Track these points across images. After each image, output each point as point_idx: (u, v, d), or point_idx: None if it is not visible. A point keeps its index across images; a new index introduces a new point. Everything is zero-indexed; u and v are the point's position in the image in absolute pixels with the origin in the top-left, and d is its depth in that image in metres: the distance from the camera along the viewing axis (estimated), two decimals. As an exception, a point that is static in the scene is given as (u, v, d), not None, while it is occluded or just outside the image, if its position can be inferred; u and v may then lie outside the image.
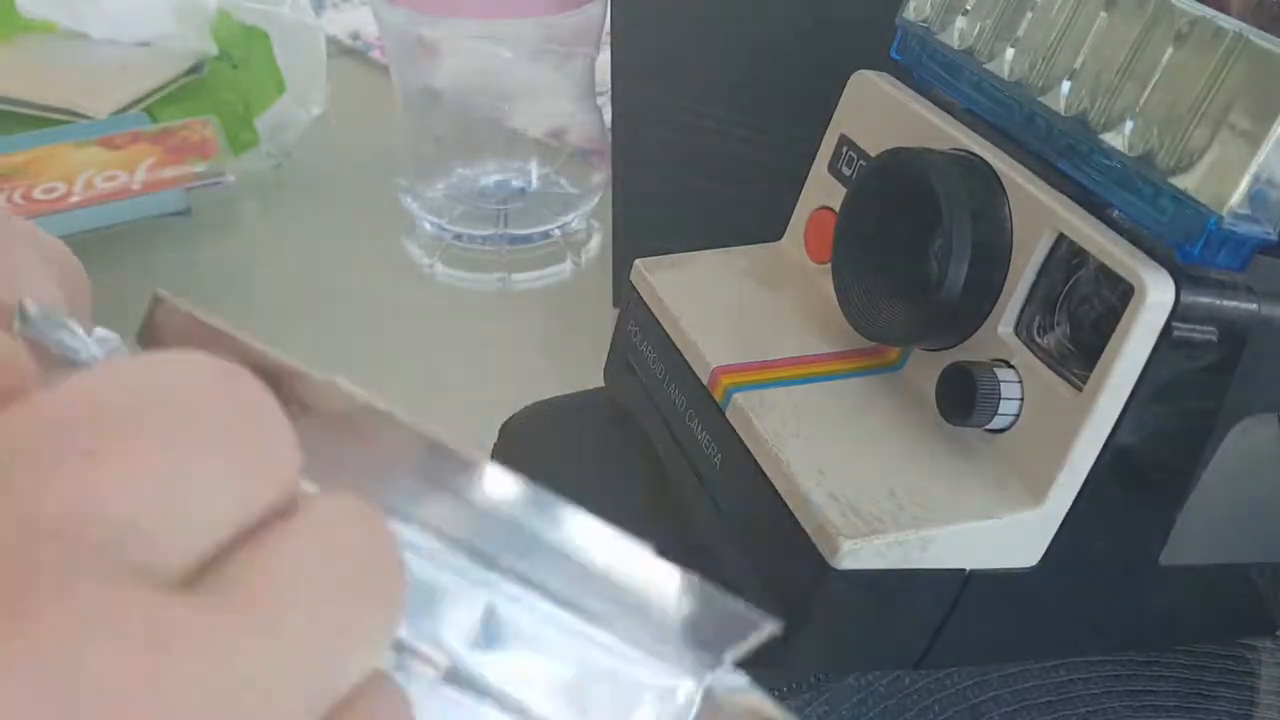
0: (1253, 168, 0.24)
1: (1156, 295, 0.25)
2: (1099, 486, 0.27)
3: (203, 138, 0.60)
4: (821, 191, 0.35)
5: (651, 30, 0.44)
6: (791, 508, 0.27)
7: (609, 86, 0.47)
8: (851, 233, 0.31)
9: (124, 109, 0.63)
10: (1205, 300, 0.25)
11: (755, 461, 0.28)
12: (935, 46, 0.32)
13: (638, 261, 0.35)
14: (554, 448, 0.36)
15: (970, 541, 0.26)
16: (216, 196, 0.58)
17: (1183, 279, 0.25)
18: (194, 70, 0.66)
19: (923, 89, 0.33)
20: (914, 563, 0.26)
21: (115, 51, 0.67)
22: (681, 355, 0.32)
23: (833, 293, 0.31)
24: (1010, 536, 0.27)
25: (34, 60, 0.67)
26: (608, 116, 0.50)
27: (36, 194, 0.56)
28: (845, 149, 0.34)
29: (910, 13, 0.33)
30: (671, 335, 0.33)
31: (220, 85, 0.64)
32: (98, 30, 0.67)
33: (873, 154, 0.32)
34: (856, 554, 0.25)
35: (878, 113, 0.33)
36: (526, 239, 0.57)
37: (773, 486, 0.28)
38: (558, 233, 0.57)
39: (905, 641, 0.28)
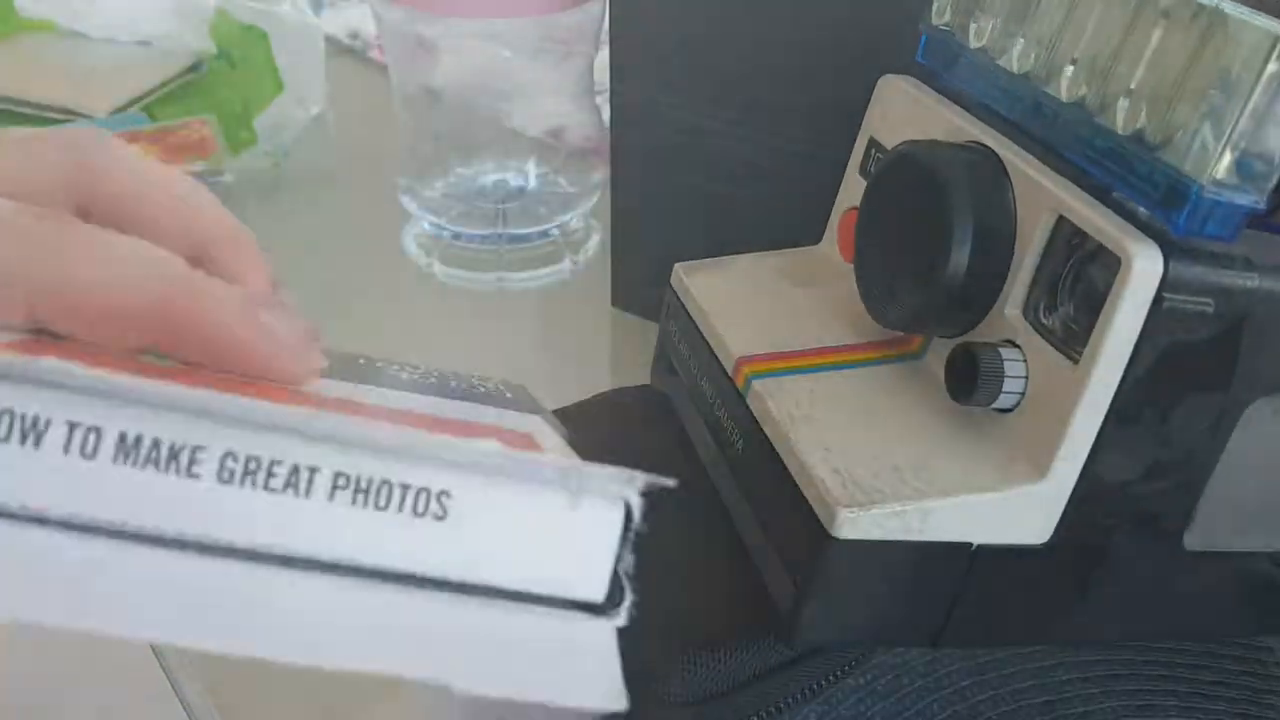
0: (1229, 134, 0.24)
1: (1143, 265, 0.25)
2: (1105, 462, 0.27)
3: (201, 137, 0.60)
4: (853, 193, 0.36)
5: (650, 29, 0.44)
6: (798, 482, 0.28)
7: (607, 85, 0.47)
8: (870, 225, 0.32)
9: (122, 108, 0.63)
10: (1196, 271, 0.26)
11: (769, 442, 0.29)
12: (956, 48, 0.33)
13: (677, 266, 0.36)
14: None
15: (972, 515, 0.27)
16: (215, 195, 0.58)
17: (1172, 250, 0.25)
18: (192, 69, 0.66)
19: (947, 91, 0.34)
20: (915, 534, 0.26)
21: (114, 50, 0.67)
22: (711, 349, 0.33)
23: (856, 288, 0.32)
24: (1014, 511, 0.27)
25: (32, 59, 0.67)
26: (606, 115, 0.50)
27: (34, 193, 0.55)
28: (874, 151, 0.35)
29: (933, 16, 0.34)
30: (703, 331, 0.34)
31: (219, 84, 0.64)
32: (96, 29, 0.67)
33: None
34: (855, 523, 0.26)
35: (903, 115, 0.34)
36: (525, 238, 0.57)
37: (783, 464, 0.28)
38: (556, 232, 0.57)
39: (918, 616, 0.29)
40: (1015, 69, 0.31)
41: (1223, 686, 0.35)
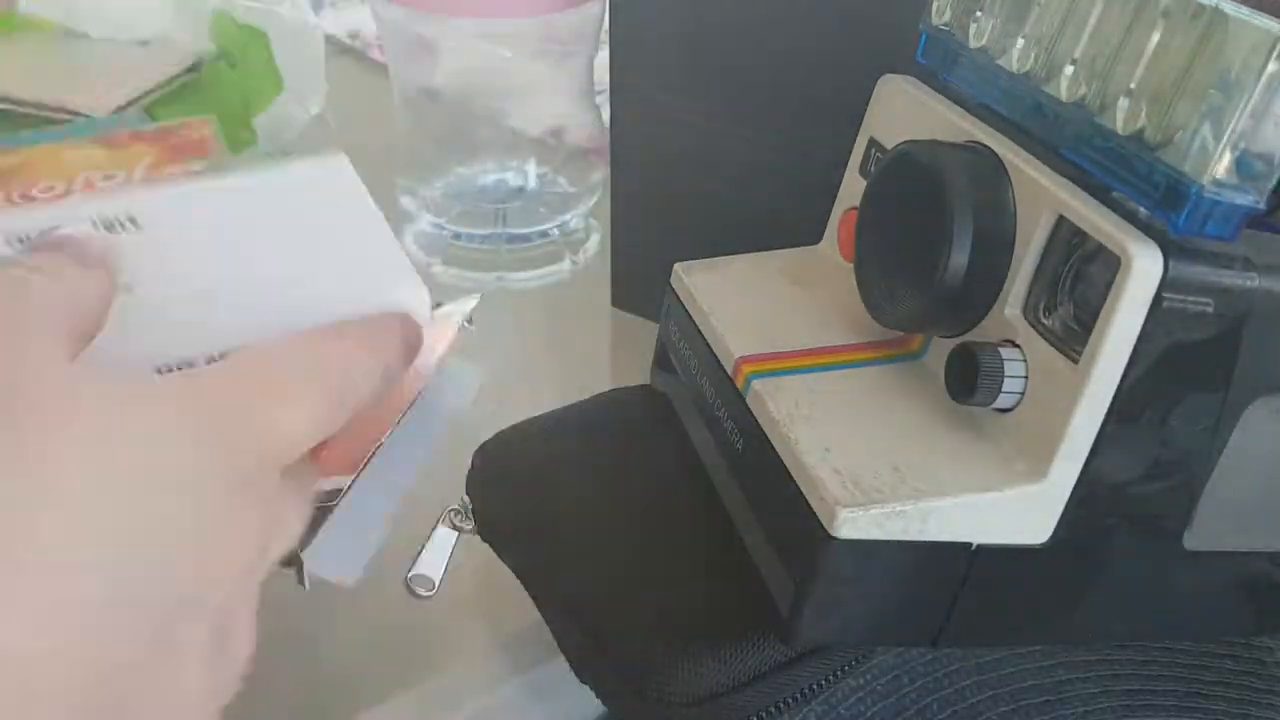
0: (1229, 134, 0.24)
1: (1143, 264, 0.25)
2: (1105, 462, 0.27)
3: (201, 137, 0.60)
4: (853, 193, 0.36)
5: (650, 29, 0.44)
6: (798, 482, 0.28)
7: (607, 85, 0.47)
8: (870, 225, 0.32)
9: (122, 108, 0.63)
10: (1196, 270, 0.26)
11: (769, 442, 0.29)
12: (956, 48, 0.33)
13: (676, 266, 0.36)
14: (533, 470, 0.36)
15: (972, 515, 0.27)
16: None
17: (1171, 249, 0.25)
18: (192, 69, 0.66)
19: (947, 91, 0.34)
20: (916, 535, 0.26)
21: (114, 50, 0.67)
22: (711, 349, 0.33)
23: (855, 287, 0.32)
24: (1014, 511, 0.27)
25: (32, 59, 0.67)
26: (606, 115, 0.50)
27: (34, 193, 0.55)
28: (874, 150, 0.35)
29: (933, 16, 0.34)
30: (703, 331, 0.34)
31: (219, 84, 0.64)
32: (96, 29, 0.67)
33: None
34: (854, 523, 0.26)
35: (903, 115, 0.34)
36: (525, 238, 0.57)
37: (783, 464, 0.28)
38: (556, 232, 0.57)
39: (918, 616, 0.29)
40: (1015, 69, 0.31)
41: (1223, 686, 0.35)
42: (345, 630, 0.37)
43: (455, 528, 0.37)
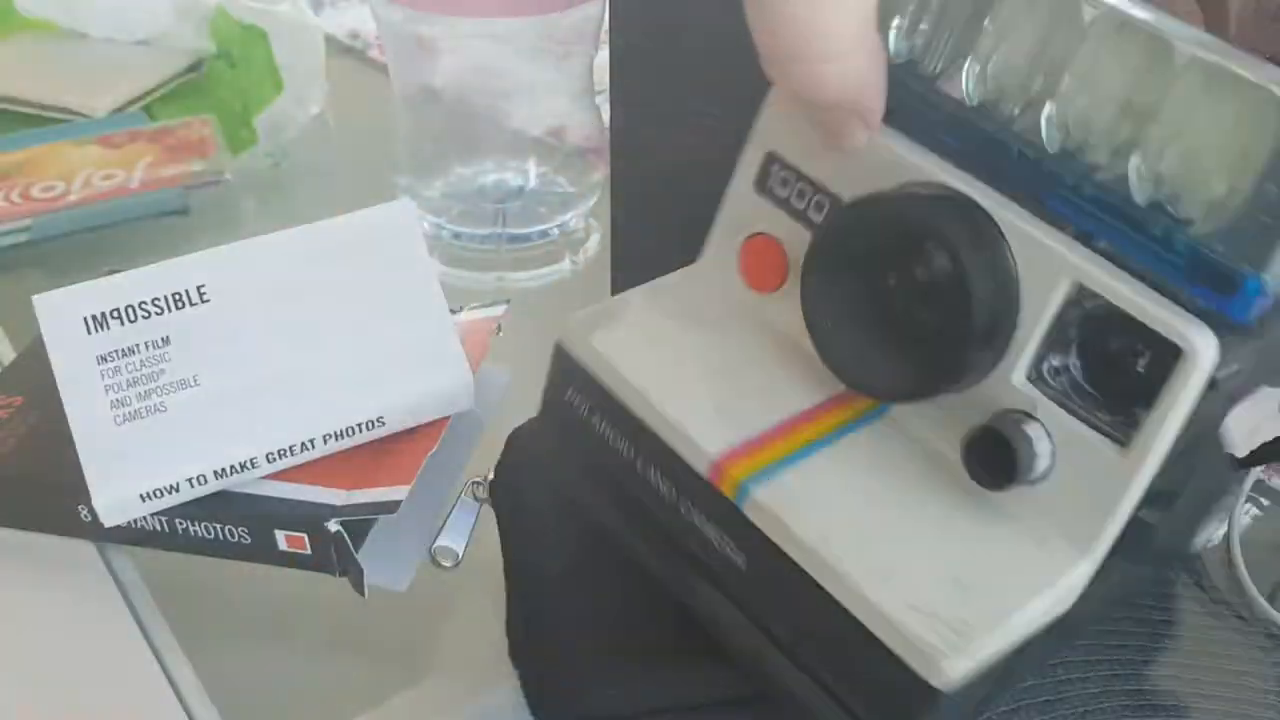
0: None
1: (1204, 354, 0.24)
2: (1134, 530, 0.26)
3: (201, 136, 0.60)
4: (751, 213, 0.33)
5: (650, 29, 0.44)
6: (864, 621, 0.26)
7: (607, 85, 0.47)
8: (829, 282, 0.29)
9: (122, 107, 0.63)
10: (1248, 347, 0.25)
11: (797, 566, 0.27)
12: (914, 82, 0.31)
13: (570, 321, 0.33)
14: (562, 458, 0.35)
15: (1036, 613, 0.26)
16: (215, 195, 0.58)
17: (1223, 332, 0.25)
18: (192, 69, 0.66)
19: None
20: (999, 653, 0.26)
21: (114, 50, 0.67)
22: (657, 436, 0.29)
23: (783, 324, 0.31)
24: (1060, 596, 0.27)
25: (32, 58, 0.67)
26: (606, 115, 0.50)
27: (35, 192, 0.55)
28: (775, 166, 0.32)
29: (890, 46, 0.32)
30: (637, 411, 0.30)
31: (219, 84, 0.64)
32: (96, 29, 0.67)
33: (810, 172, 0.31)
34: (959, 669, 0.25)
35: (806, 126, 0.31)
36: (525, 238, 0.56)
37: (829, 595, 0.26)
38: (556, 232, 0.57)
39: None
40: (973, 100, 0.29)
41: (1222, 686, 0.35)
42: (345, 630, 0.37)
43: (477, 499, 0.37)
